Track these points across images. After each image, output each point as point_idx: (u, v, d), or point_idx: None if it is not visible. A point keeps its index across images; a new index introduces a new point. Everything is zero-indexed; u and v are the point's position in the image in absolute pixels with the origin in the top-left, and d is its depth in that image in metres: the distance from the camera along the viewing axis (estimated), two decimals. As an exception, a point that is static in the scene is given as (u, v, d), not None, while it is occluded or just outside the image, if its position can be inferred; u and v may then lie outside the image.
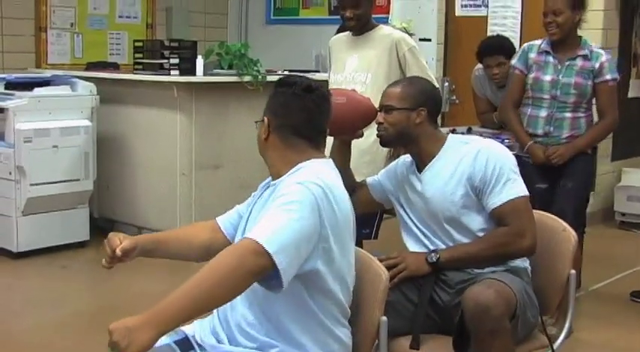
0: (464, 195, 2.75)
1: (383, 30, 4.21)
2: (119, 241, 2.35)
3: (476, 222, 2.76)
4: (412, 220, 2.90)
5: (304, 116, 2.33)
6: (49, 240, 5.63)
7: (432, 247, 2.82)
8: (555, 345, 2.75)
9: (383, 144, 2.98)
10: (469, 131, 5.22)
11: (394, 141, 2.95)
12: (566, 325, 2.81)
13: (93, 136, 5.79)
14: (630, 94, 7.00)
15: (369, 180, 3.10)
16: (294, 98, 2.33)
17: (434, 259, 2.75)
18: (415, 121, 2.84)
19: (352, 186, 2.99)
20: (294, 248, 2.06)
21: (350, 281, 2.31)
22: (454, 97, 6.45)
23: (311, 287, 2.20)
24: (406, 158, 2.99)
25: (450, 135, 2.95)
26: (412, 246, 2.88)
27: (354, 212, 2.35)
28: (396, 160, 3.06)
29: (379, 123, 2.90)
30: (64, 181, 5.63)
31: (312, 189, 2.15)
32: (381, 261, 2.55)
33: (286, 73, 6.43)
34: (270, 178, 2.44)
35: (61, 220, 5.68)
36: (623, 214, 6.82)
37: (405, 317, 2.72)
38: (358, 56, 4.15)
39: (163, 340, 2.29)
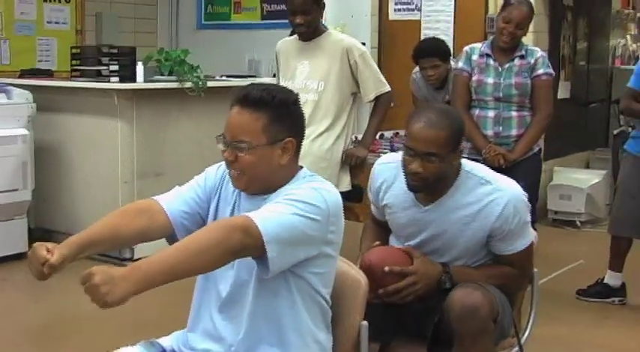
0: (484, 246, 2.69)
1: (333, 36, 4.24)
2: (46, 251, 2.06)
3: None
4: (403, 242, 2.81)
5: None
6: (-13, 253, 5.46)
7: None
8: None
9: (416, 191, 2.65)
10: (396, 135, 5.18)
11: (429, 189, 2.63)
12: (530, 321, 2.95)
13: (30, 145, 5.67)
14: (560, 95, 7.20)
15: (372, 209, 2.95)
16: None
17: (447, 285, 2.64)
18: (454, 163, 2.60)
19: None
20: (290, 244, 2.07)
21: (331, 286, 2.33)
22: (390, 101, 6.53)
23: (305, 288, 2.20)
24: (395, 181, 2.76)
25: (463, 167, 2.66)
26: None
27: None
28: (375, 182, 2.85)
29: (416, 173, 2.55)
30: (2, 192, 5.50)
31: (325, 196, 2.15)
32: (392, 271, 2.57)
33: (224, 78, 6.43)
34: (223, 169, 2.37)
35: (-2, 232, 5.55)
36: (556, 212, 7.03)
37: (380, 324, 2.69)
38: (309, 63, 4.18)
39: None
